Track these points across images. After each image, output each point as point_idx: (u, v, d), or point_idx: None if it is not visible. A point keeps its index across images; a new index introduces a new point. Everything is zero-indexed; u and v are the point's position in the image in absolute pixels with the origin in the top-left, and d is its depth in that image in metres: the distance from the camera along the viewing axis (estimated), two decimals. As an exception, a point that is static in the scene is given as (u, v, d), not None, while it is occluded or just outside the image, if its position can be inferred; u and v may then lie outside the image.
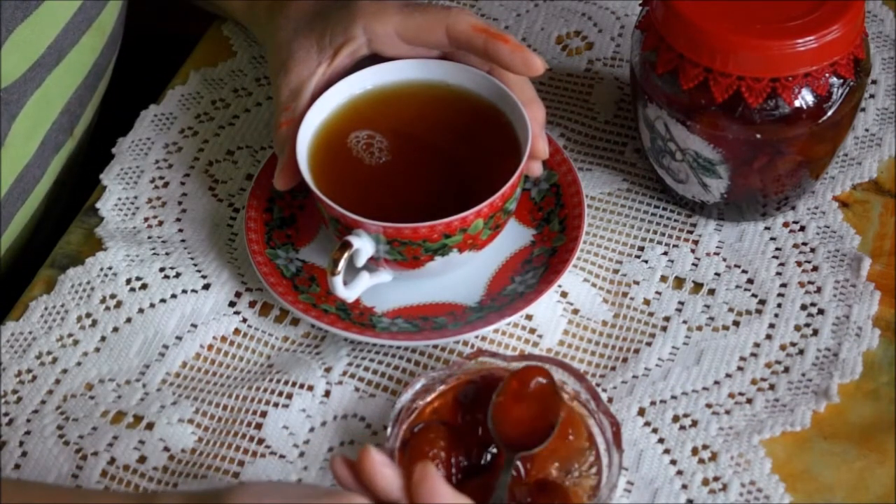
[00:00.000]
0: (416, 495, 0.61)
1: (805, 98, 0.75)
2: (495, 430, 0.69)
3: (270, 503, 0.61)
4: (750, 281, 0.80)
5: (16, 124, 0.80)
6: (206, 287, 0.82)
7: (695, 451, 0.73)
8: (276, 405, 0.75)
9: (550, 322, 0.79)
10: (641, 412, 0.75)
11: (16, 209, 0.84)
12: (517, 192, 0.77)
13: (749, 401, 0.75)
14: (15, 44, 0.78)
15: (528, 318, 0.79)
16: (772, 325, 0.78)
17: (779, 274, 0.80)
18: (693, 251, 0.82)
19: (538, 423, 0.70)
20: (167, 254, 0.83)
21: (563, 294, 0.80)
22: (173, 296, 0.81)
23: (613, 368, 0.77)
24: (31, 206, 0.86)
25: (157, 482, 0.73)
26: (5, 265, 0.86)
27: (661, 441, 0.73)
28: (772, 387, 0.75)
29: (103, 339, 0.80)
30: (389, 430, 0.70)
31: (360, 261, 0.75)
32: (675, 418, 0.74)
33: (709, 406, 0.75)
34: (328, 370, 0.77)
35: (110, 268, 0.83)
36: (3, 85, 0.78)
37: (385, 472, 0.61)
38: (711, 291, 0.80)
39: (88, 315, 0.81)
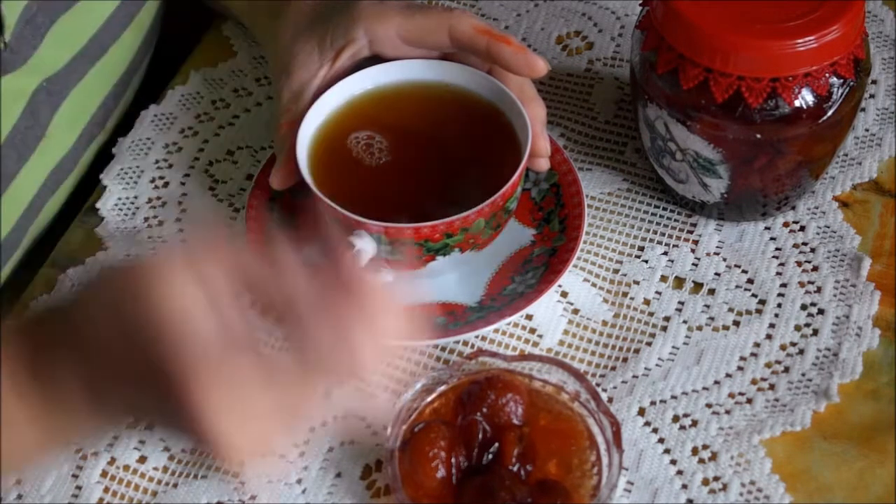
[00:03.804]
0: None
1: (805, 98, 0.75)
2: None
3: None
4: (750, 281, 0.80)
5: (58, 115, 0.81)
6: (207, 287, 0.82)
7: (695, 451, 0.73)
8: (276, 405, 0.75)
9: (550, 322, 0.79)
10: (641, 412, 0.75)
11: (46, 200, 0.84)
12: (518, 191, 0.77)
13: (749, 401, 0.75)
14: (57, 34, 0.79)
15: (528, 318, 0.79)
16: (772, 325, 0.78)
17: (779, 274, 0.81)
18: (693, 251, 0.82)
19: None
20: (167, 254, 0.83)
21: (564, 294, 0.80)
22: (173, 296, 0.81)
23: (613, 368, 0.77)
24: (59, 200, 0.87)
25: (157, 482, 0.73)
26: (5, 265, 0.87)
27: (661, 441, 0.74)
28: (772, 387, 0.75)
29: (103, 339, 0.80)
30: (389, 430, 0.70)
31: (362, 261, 0.75)
32: (675, 418, 0.74)
33: (709, 406, 0.75)
34: (328, 370, 0.77)
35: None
36: (46, 75, 0.79)
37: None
38: (711, 291, 0.80)
39: (88, 315, 0.81)
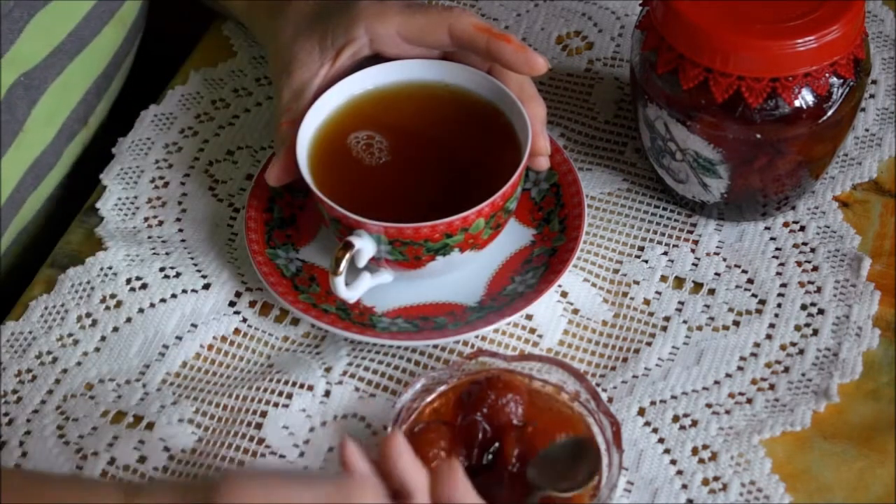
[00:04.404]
0: (440, 493, 0.60)
1: (805, 98, 0.75)
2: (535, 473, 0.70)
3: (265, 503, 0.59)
4: (750, 281, 0.80)
5: (36, 110, 0.81)
6: (206, 287, 0.82)
7: (695, 451, 0.73)
8: (276, 405, 0.75)
9: (550, 322, 0.79)
10: (641, 412, 0.75)
11: (28, 194, 0.84)
12: (517, 191, 0.77)
13: (749, 401, 0.75)
14: (36, 28, 0.79)
15: (528, 317, 0.79)
16: (772, 325, 0.78)
17: (779, 274, 0.81)
18: (693, 251, 0.82)
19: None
20: (167, 254, 0.83)
21: (563, 294, 0.80)
22: (173, 296, 0.81)
23: (613, 368, 0.77)
24: (43, 195, 0.86)
25: (157, 482, 0.73)
26: (5, 265, 0.86)
27: (661, 441, 0.74)
28: (772, 387, 0.75)
29: (103, 338, 0.80)
30: (389, 430, 0.70)
31: (362, 261, 0.75)
32: (675, 418, 0.74)
33: (709, 406, 0.75)
34: (328, 370, 0.77)
35: (110, 268, 0.83)
36: (24, 69, 0.79)
37: (410, 461, 0.60)
38: (711, 291, 0.80)
39: (88, 315, 0.81)
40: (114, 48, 0.89)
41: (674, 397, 0.75)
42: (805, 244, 0.82)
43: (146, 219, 0.86)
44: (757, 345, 0.77)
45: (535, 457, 0.69)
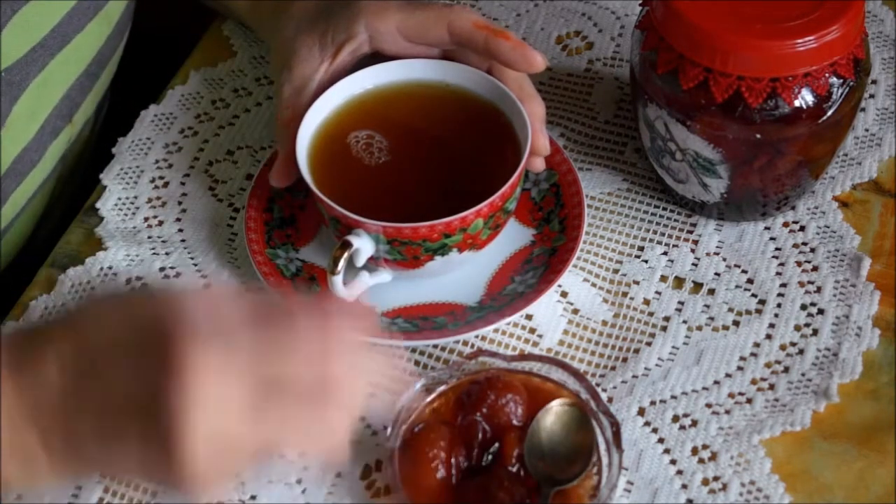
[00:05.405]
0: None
1: (805, 98, 0.75)
2: (533, 464, 0.70)
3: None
4: (750, 281, 0.80)
5: (17, 106, 0.81)
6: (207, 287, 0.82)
7: (695, 451, 0.73)
8: (275, 405, 0.75)
9: (550, 322, 0.79)
10: (641, 412, 0.75)
11: (11, 190, 0.84)
12: (517, 191, 0.77)
13: (749, 401, 0.75)
14: (18, 24, 0.79)
15: (528, 317, 0.79)
16: (772, 325, 0.78)
17: (779, 274, 0.81)
18: (693, 251, 0.82)
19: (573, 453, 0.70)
20: (167, 254, 0.83)
21: (563, 294, 0.80)
22: (173, 296, 0.81)
23: (613, 368, 0.77)
24: (27, 191, 0.86)
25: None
26: (5, 265, 0.86)
27: (661, 441, 0.73)
28: (772, 387, 0.75)
29: (103, 338, 0.80)
30: (389, 430, 0.70)
31: (360, 260, 0.75)
32: (675, 418, 0.74)
33: (709, 406, 0.75)
34: (328, 370, 0.77)
35: (110, 268, 0.83)
36: (4, 65, 0.79)
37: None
38: (711, 291, 0.80)
39: (88, 315, 0.81)
40: (98, 45, 0.88)
41: (674, 397, 0.75)
42: (805, 244, 0.82)
43: (146, 219, 0.86)
44: (757, 345, 0.77)
45: (533, 444, 0.69)
